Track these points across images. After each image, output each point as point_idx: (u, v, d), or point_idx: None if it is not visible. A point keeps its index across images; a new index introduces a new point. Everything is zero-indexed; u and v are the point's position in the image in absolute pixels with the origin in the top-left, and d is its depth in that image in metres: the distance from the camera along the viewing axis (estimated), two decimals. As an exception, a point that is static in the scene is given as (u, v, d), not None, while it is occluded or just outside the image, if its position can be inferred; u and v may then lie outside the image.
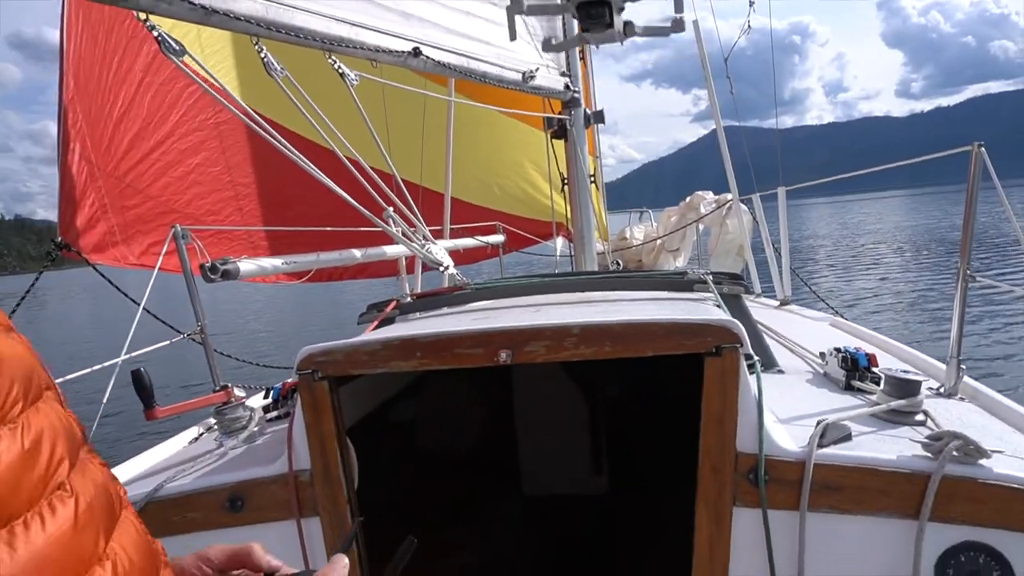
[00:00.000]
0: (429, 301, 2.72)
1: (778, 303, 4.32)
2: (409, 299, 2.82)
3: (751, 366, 1.63)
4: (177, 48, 1.99)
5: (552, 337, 1.67)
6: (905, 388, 1.84)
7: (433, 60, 2.91)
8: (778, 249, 4.39)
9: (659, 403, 3.39)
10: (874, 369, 2.10)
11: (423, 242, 2.81)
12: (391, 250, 3.48)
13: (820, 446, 1.58)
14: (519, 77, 3.42)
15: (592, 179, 4.22)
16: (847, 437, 1.64)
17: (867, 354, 2.14)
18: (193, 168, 4.51)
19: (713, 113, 5.12)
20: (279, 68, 2.28)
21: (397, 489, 2.91)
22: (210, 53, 4.62)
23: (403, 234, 2.71)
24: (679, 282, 2.67)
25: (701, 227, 6.23)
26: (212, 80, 2.27)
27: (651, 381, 3.50)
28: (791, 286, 4.41)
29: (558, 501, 3.63)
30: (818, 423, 1.64)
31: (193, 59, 2.10)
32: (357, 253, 3.25)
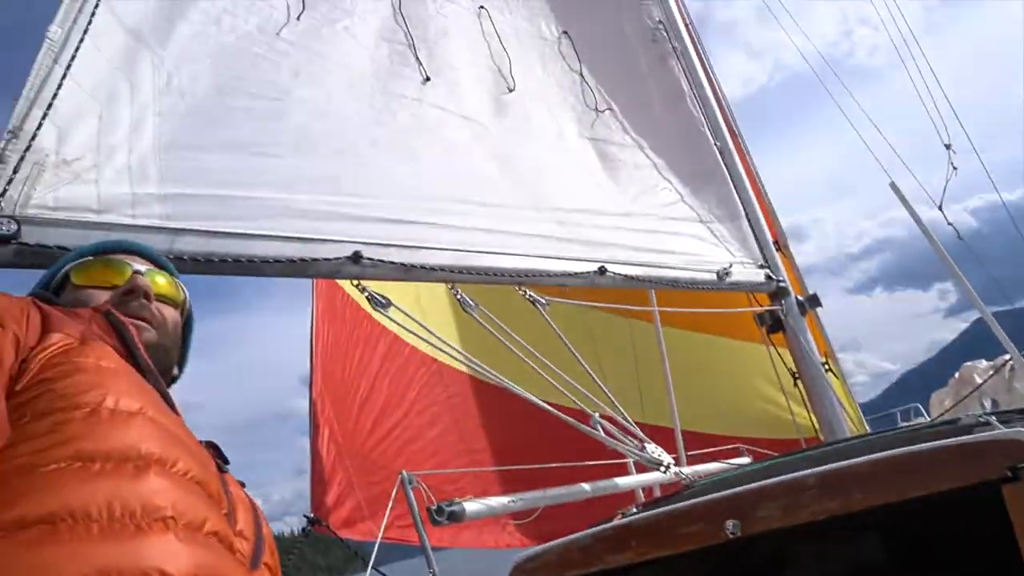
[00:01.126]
0: (657, 504, 2.45)
1: None
2: (634, 510, 2.56)
3: None
4: (383, 301, 2.23)
5: (785, 494, 1.36)
6: None
7: (621, 275, 2.98)
8: None
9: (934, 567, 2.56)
10: None
11: (636, 442, 2.62)
12: (624, 482, 3.26)
13: None
14: (713, 277, 3.37)
15: (827, 366, 3.82)
16: None
17: None
18: (431, 440, 4.81)
19: (969, 296, 4.52)
20: (473, 304, 2.45)
21: None
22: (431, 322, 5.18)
23: (610, 435, 2.56)
24: (953, 428, 2.16)
25: (987, 403, 5.23)
26: (419, 328, 2.48)
27: (918, 537, 2.70)
28: None
29: None
30: None
31: (399, 310, 2.33)
32: (587, 487, 3.08)
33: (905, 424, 5.72)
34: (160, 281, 1.30)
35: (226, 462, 1.17)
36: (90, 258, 1.32)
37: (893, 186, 4.13)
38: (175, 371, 1.35)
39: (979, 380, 5.13)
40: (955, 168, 5.28)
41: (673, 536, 1.46)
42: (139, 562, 0.74)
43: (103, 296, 1.22)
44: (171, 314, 1.30)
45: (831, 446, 2.68)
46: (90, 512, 0.75)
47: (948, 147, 5.43)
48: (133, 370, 1.01)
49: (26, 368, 0.89)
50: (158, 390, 1.03)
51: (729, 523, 1.40)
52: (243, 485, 1.17)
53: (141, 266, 1.29)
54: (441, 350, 2.49)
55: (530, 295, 2.70)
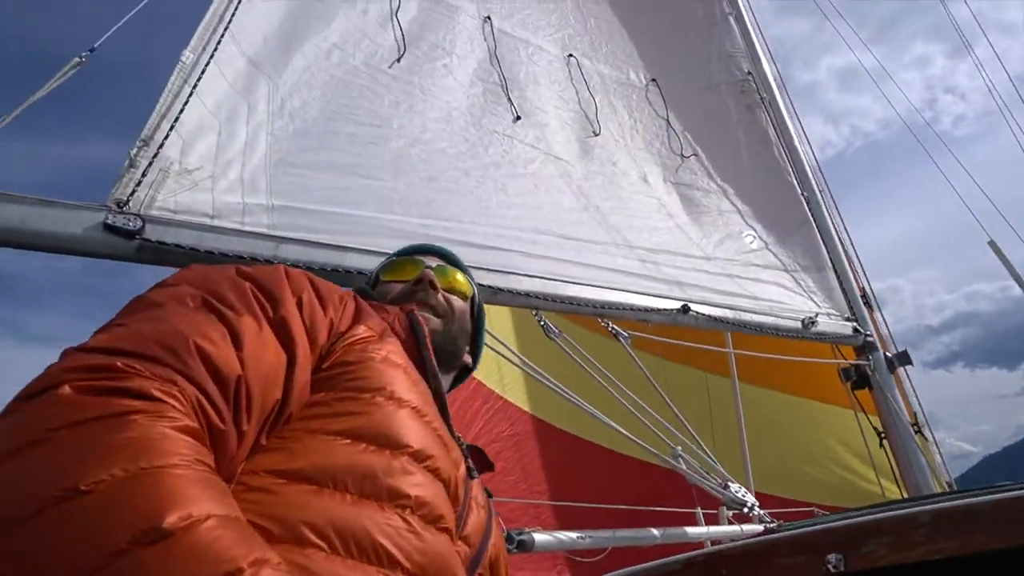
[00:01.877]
0: None
1: None
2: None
3: None
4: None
5: (896, 530, 1.28)
6: None
7: (704, 315, 2.94)
8: None
9: None
10: None
11: (719, 480, 2.53)
12: (693, 531, 3.16)
13: None
14: (798, 325, 3.28)
15: (916, 427, 3.62)
16: None
17: None
18: (490, 478, 4.75)
19: None
20: (557, 332, 2.46)
21: None
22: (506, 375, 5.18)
23: (694, 470, 2.48)
24: None
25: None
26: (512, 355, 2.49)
27: None
28: None
29: None
30: None
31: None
32: (656, 532, 3.00)
33: None
34: (450, 276, 1.44)
35: (486, 470, 1.28)
36: (395, 258, 1.53)
37: (993, 244, 3.95)
38: (468, 360, 1.48)
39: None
40: None
41: (770, 567, 1.37)
42: (374, 535, 0.82)
43: (400, 288, 1.39)
44: (460, 305, 1.43)
45: (944, 495, 2.52)
46: (347, 483, 0.85)
47: None
48: (413, 368, 1.10)
49: (333, 350, 1.00)
50: (434, 388, 1.12)
51: (832, 557, 1.31)
52: (490, 495, 1.27)
53: (434, 263, 1.46)
54: (537, 379, 2.46)
55: (613, 328, 2.69)
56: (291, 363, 0.91)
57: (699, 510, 3.09)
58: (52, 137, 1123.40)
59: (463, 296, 1.45)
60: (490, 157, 3.12)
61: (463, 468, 1.09)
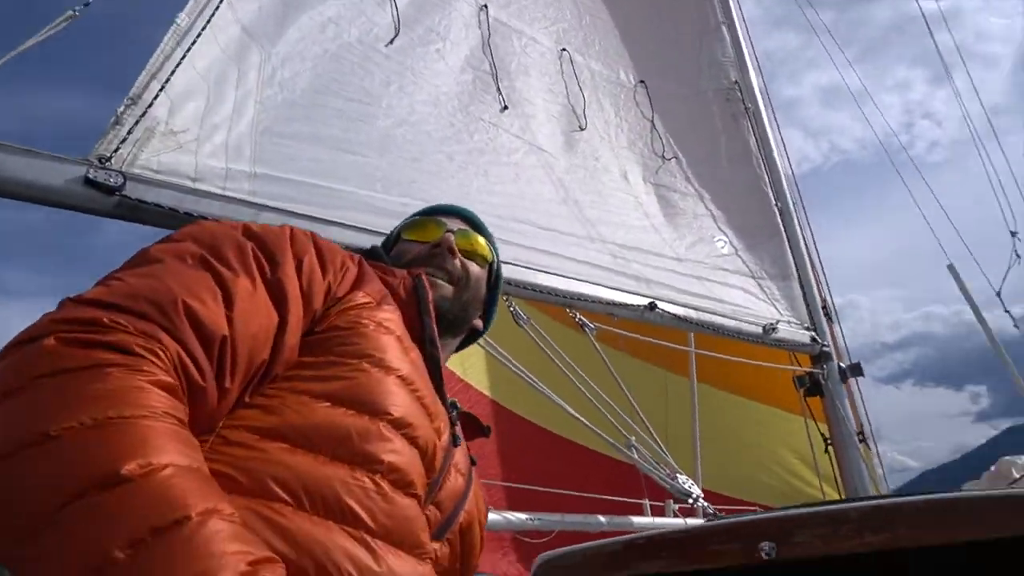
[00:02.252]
0: None
1: None
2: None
3: None
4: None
5: (827, 523, 1.37)
6: None
7: (669, 313, 3.03)
8: None
9: None
10: None
11: (667, 471, 2.63)
12: (639, 521, 3.27)
13: None
14: (759, 330, 3.39)
15: (860, 437, 3.77)
16: None
17: None
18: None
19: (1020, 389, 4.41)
20: (525, 318, 2.53)
21: None
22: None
23: (645, 460, 2.58)
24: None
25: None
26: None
27: None
28: None
29: None
30: None
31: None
32: (603, 519, 3.09)
33: None
34: (472, 240, 1.42)
35: (478, 435, 1.29)
36: (418, 217, 1.49)
37: (951, 268, 4.09)
38: (479, 324, 1.46)
39: (1016, 475, 4.94)
40: (1019, 256, 5.19)
41: (707, 552, 1.45)
42: (342, 495, 0.86)
43: (419, 249, 1.37)
44: (476, 271, 1.40)
45: (872, 498, 2.64)
46: (322, 445, 0.88)
47: (1014, 234, 5.35)
48: (407, 336, 1.11)
49: (327, 314, 1.02)
50: (428, 355, 1.13)
51: (766, 544, 1.39)
52: (474, 463, 1.26)
53: (456, 226, 1.42)
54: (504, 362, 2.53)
55: (580, 319, 2.77)
56: (282, 325, 0.94)
57: (646, 501, 3.19)
58: (35, 89, 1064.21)
59: (483, 261, 1.43)
60: (474, 143, 3.17)
61: (446, 436, 1.10)
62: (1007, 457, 5.25)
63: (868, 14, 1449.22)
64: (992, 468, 5.40)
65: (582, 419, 2.47)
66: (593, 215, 3.33)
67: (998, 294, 4.93)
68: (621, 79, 4.33)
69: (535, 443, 5.00)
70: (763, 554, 1.39)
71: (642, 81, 4.32)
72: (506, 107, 3.50)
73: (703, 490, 4.68)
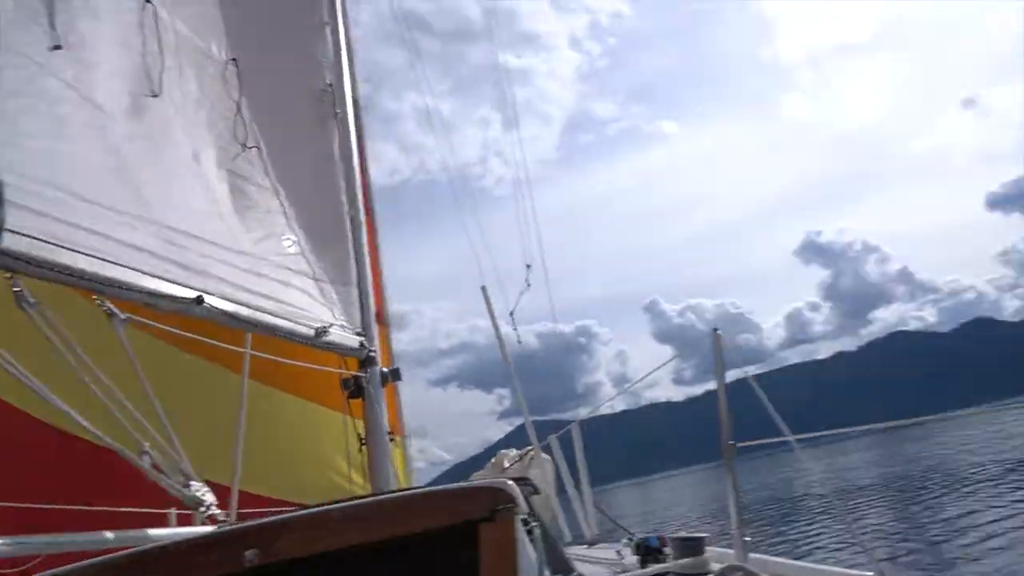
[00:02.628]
0: None
1: (587, 544, 4.28)
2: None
3: (530, 531, 1.51)
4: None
5: (309, 525, 1.50)
6: (690, 547, 1.88)
7: (218, 309, 2.95)
8: (581, 489, 4.49)
9: None
10: (664, 549, 2.12)
11: (182, 479, 2.56)
12: (157, 533, 3.04)
13: None
14: (312, 332, 3.52)
15: (392, 437, 4.19)
16: None
17: (658, 536, 2.16)
18: None
19: (519, 403, 5.39)
20: (33, 303, 2.21)
21: None
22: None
23: (156, 468, 2.46)
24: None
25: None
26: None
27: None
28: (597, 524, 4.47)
29: None
30: None
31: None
32: (110, 535, 2.78)
33: None
34: None
35: None
36: None
37: (483, 289, 4.84)
38: None
39: (507, 464, 6.10)
40: (529, 284, 6.42)
41: (195, 564, 1.45)
42: None
43: None
44: None
45: (367, 497, 2.95)
46: None
47: (528, 266, 6.61)
48: None
49: None
50: None
51: (249, 553, 1.43)
52: None
53: None
54: None
55: (108, 307, 2.52)
56: None
57: (173, 511, 3.04)
58: None
59: None
60: (4, 80, 2.66)
61: None
62: (503, 450, 6.44)
63: (467, 52, 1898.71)
64: (492, 460, 6.55)
65: (84, 421, 2.24)
66: (150, 193, 3.06)
67: (511, 313, 6.03)
68: (212, 52, 4.07)
69: (30, 441, 4.07)
70: (246, 561, 1.46)
71: (234, 59, 4.12)
72: (59, 47, 3.00)
73: (248, 494, 4.62)
